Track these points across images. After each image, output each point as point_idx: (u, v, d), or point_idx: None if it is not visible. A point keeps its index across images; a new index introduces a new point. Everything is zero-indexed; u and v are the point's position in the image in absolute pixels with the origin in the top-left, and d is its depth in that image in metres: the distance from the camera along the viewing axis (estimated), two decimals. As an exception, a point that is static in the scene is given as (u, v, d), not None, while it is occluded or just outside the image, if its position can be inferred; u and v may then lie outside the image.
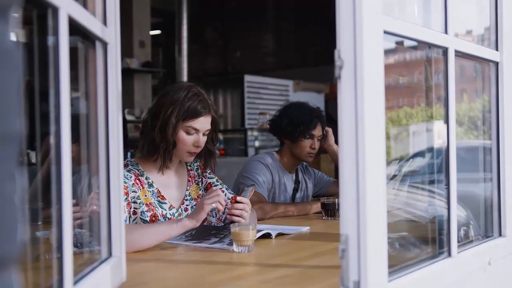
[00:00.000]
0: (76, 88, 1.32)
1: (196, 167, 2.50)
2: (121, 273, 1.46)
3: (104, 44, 1.40)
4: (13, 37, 0.63)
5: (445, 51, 1.58)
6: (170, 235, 2.03)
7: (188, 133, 2.26)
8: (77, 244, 1.38)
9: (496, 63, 1.89)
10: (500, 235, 1.89)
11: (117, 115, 1.43)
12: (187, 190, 2.42)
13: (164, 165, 2.31)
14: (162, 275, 1.76)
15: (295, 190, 3.22)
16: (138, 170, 2.29)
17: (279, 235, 2.26)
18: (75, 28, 1.15)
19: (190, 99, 2.25)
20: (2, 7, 0.59)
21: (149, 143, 2.28)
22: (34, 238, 1.38)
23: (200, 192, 2.46)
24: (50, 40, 1.05)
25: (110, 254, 1.42)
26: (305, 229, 2.43)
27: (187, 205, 2.39)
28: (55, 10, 1.03)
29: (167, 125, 2.22)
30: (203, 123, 2.28)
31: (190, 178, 2.46)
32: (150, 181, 2.31)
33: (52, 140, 1.05)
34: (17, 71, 0.61)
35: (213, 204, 2.04)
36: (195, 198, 2.43)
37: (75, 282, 1.13)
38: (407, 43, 1.61)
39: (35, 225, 1.38)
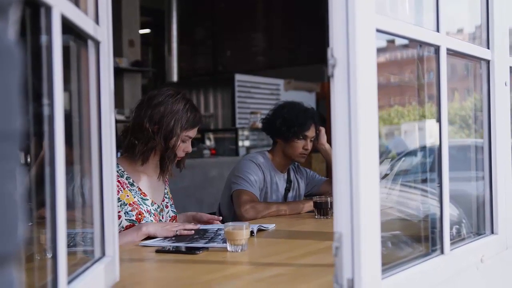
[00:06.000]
0: (67, 88, 1.31)
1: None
2: (115, 273, 1.46)
3: (97, 43, 1.39)
4: (12, 36, 0.62)
5: (437, 49, 1.59)
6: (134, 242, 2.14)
7: (183, 141, 2.40)
8: (69, 243, 1.38)
9: (487, 61, 1.90)
10: (492, 232, 1.90)
11: (110, 115, 1.42)
12: (165, 189, 2.56)
13: (165, 172, 2.43)
14: (155, 274, 1.76)
15: (287, 190, 3.22)
16: (117, 171, 2.34)
17: (259, 230, 2.33)
18: (67, 27, 1.15)
19: (189, 110, 2.39)
20: (2, 5, 0.59)
21: (150, 150, 2.36)
22: (25, 239, 1.37)
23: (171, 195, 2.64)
24: (43, 39, 1.05)
25: (103, 253, 1.42)
26: (272, 226, 2.47)
27: (166, 203, 2.53)
28: (48, 9, 1.02)
29: (172, 136, 2.35)
30: (196, 131, 2.46)
31: (166, 180, 2.58)
32: (130, 180, 2.38)
33: (45, 140, 1.05)
34: (17, 69, 0.62)
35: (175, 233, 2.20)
36: (170, 198, 2.58)
37: (69, 282, 1.12)
38: (398, 41, 1.62)
39: (26, 225, 1.37)
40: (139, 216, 2.32)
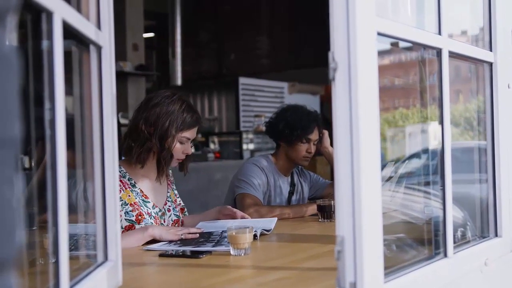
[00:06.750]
0: (70, 92, 1.31)
1: (170, 174, 2.65)
2: (117, 277, 1.46)
3: (98, 48, 1.39)
4: (11, 42, 0.63)
5: (439, 52, 1.59)
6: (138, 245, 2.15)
7: (181, 142, 2.40)
8: (71, 247, 1.38)
9: (490, 64, 1.89)
10: (496, 235, 1.89)
11: (112, 119, 1.43)
12: (168, 192, 2.55)
13: (162, 174, 2.43)
14: (158, 279, 1.76)
15: (291, 193, 3.22)
16: (120, 172, 2.35)
17: (262, 234, 2.32)
18: (69, 32, 1.15)
19: (185, 111, 2.38)
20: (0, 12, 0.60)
21: (146, 152, 2.36)
22: (29, 243, 1.37)
23: (176, 197, 2.61)
24: (44, 44, 1.05)
25: (106, 258, 1.42)
26: (274, 220, 2.52)
27: (169, 206, 2.52)
28: (49, 14, 1.03)
29: (167, 137, 2.34)
30: (195, 132, 2.44)
31: (169, 182, 2.58)
32: (133, 182, 2.39)
33: (46, 144, 1.05)
34: (15, 75, 0.62)
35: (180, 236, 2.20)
36: (174, 201, 2.57)
37: (71, 286, 1.13)
38: (402, 44, 1.61)
39: (30, 230, 1.38)
40: (139, 217, 2.32)
